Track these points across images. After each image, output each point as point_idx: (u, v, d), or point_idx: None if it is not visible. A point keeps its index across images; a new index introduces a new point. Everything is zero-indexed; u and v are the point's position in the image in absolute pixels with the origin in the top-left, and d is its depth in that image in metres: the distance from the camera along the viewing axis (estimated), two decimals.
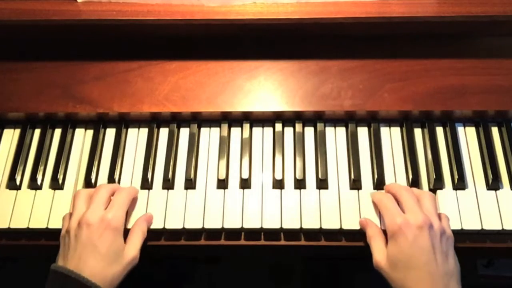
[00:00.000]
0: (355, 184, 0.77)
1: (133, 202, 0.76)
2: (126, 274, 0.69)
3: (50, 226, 0.75)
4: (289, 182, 0.78)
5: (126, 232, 0.72)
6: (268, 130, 0.84)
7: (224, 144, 0.81)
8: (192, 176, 0.78)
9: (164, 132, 0.84)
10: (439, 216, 0.72)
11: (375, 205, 0.75)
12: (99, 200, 0.71)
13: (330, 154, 0.81)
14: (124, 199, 0.73)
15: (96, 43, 0.86)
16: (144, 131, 0.84)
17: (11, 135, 0.85)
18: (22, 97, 0.83)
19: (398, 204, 0.71)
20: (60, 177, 0.80)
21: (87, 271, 0.65)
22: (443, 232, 0.68)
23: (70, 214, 0.72)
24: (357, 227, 0.74)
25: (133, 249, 0.70)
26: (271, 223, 0.75)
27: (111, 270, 0.67)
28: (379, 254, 0.69)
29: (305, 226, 0.74)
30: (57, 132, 0.84)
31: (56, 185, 0.79)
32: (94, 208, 0.70)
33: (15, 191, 0.79)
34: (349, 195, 0.77)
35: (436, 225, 0.68)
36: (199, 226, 0.74)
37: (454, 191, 0.77)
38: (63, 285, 0.65)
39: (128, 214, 0.75)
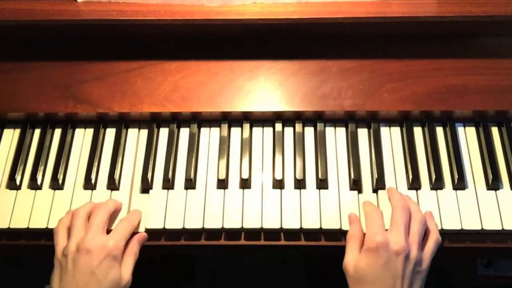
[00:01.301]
0: (355, 184, 0.77)
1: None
2: None
3: (50, 226, 0.75)
4: (289, 182, 0.78)
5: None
6: (268, 130, 0.84)
7: (224, 144, 0.81)
8: (192, 176, 0.78)
9: (164, 132, 0.84)
10: (427, 239, 0.70)
11: (377, 205, 0.75)
12: (98, 224, 0.70)
13: (330, 154, 0.81)
14: (127, 229, 0.72)
15: (96, 43, 0.86)
16: (144, 131, 0.84)
17: (11, 135, 0.85)
18: (22, 97, 0.83)
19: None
20: (60, 177, 0.80)
21: None
22: (418, 263, 0.67)
23: (67, 231, 0.71)
24: None
25: (127, 273, 0.69)
26: (271, 223, 0.75)
27: None
28: (351, 258, 0.68)
29: (305, 226, 0.74)
30: (57, 132, 0.84)
31: (56, 185, 0.79)
32: (94, 234, 0.68)
33: (15, 191, 0.79)
34: (349, 195, 0.77)
35: (413, 255, 0.67)
36: (199, 226, 0.74)
37: (454, 191, 0.77)
38: None
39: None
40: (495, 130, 0.83)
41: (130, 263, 0.70)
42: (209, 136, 0.83)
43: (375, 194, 0.77)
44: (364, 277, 0.66)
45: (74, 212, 0.72)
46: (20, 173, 0.80)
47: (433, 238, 0.71)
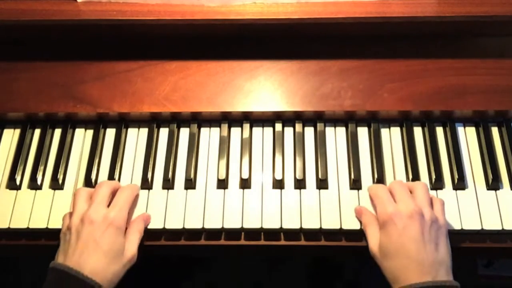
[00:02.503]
0: (355, 184, 0.77)
1: (134, 200, 0.76)
2: (124, 273, 0.69)
3: (50, 226, 0.75)
4: (289, 182, 0.78)
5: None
6: (268, 130, 0.84)
7: (224, 144, 0.81)
8: (192, 176, 0.78)
9: (164, 132, 0.84)
10: (433, 203, 0.72)
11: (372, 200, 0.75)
12: (101, 197, 0.71)
13: (330, 154, 0.81)
14: (127, 198, 0.73)
15: (96, 43, 0.86)
16: (144, 131, 0.84)
17: (11, 135, 0.85)
18: (22, 97, 0.83)
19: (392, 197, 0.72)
20: (60, 177, 0.80)
21: (88, 269, 0.65)
22: (434, 221, 0.68)
23: (70, 214, 0.72)
24: (357, 227, 0.74)
25: (132, 247, 0.70)
26: (271, 223, 0.75)
27: (112, 268, 0.67)
28: (373, 241, 0.69)
29: (305, 226, 0.74)
30: (57, 132, 0.84)
31: (56, 185, 0.79)
32: (97, 206, 0.70)
33: (15, 191, 0.79)
34: (349, 195, 0.77)
35: (427, 215, 0.68)
36: (199, 226, 0.74)
37: (454, 191, 0.77)
38: (63, 282, 0.64)
39: (128, 215, 0.75)
40: (495, 130, 0.83)
41: (135, 240, 0.71)
42: (209, 136, 0.83)
43: None
44: (388, 252, 0.67)
45: (76, 191, 0.74)
46: (20, 173, 0.80)
47: (437, 200, 0.73)
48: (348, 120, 0.83)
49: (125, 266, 0.69)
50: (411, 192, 0.72)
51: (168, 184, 0.78)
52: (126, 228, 0.72)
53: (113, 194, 0.74)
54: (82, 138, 0.84)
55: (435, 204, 0.72)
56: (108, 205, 0.72)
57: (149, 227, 0.75)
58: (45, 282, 0.66)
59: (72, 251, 0.67)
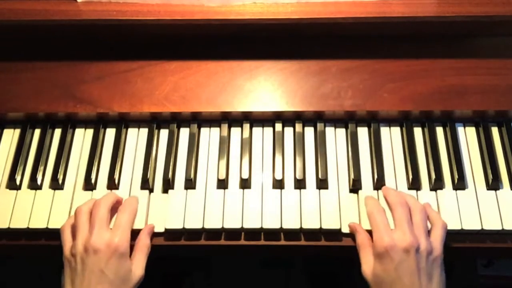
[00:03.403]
0: (355, 184, 0.77)
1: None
2: None
3: (50, 226, 0.75)
4: (289, 182, 0.78)
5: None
6: (268, 130, 0.84)
7: (224, 144, 0.81)
8: (192, 176, 0.78)
9: (164, 132, 0.84)
10: (432, 228, 0.71)
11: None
12: (101, 220, 0.70)
13: (330, 154, 0.81)
14: (129, 219, 0.72)
15: (96, 43, 0.86)
16: (144, 131, 0.84)
17: (11, 135, 0.85)
18: (22, 97, 0.83)
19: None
20: (60, 177, 0.80)
21: None
22: (429, 252, 0.68)
23: (71, 230, 0.71)
24: None
25: (139, 268, 0.70)
26: (271, 223, 0.74)
27: None
28: (367, 265, 0.69)
29: (305, 226, 0.74)
30: (57, 132, 0.84)
31: (56, 185, 0.79)
32: (99, 231, 0.69)
33: (15, 191, 0.79)
34: (349, 195, 0.77)
35: (423, 246, 0.67)
36: (199, 226, 0.74)
37: (454, 191, 0.77)
38: None
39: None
40: (495, 130, 0.83)
41: (142, 258, 0.71)
42: (209, 136, 0.83)
43: (375, 194, 0.77)
44: (382, 282, 0.67)
45: (76, 210, 0.72)
46: (20, 173, 0.80)
47: (438, 225, 0.71)
48: (348, 120, 0.83)
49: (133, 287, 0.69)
50: (410, 213, 0.71)
51: (168, 184, 0.78)
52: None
53: (113, 207, 0.74)
54: (82, 138, 0.84)
55: (435, 229, 0.71)
56: (111, 214, 0.72)
57: None
58: None
59: (79, 282, 0.67)
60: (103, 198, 0.73)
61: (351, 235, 0.75)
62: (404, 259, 0.66)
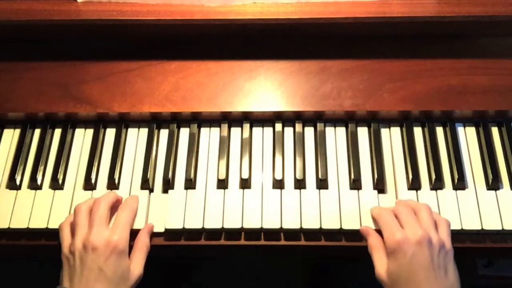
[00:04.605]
0: (355, 184, 0.77)
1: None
2: None
3: (50, 226, 0.75)
4: (289, 182, 0.78)
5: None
6: (268, 130, 0.84)
7: (224, 144, 0.81)
8: (192, 176, 0.78)
9: (164, 132, 0.84)
10: (437, 225, 0.71)
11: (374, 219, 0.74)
12: (100, 218, 0.70)
13: (330, 154, 0.81)
14: (129, 218, 0.72)
15: (96, 43, 0.86)
16: (144, 131, 0.84)
17: (11, 135, 0.85)
18: (22, 97, 0.83)
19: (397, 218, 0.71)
20: (60, 177, 0.80)
21: None
22: (442, 246, 0.67)
23: (70, 227, 0.71)
24: (357, 227, 0.74)
25: (138, 267, 0.70)
26: (271, 223, 0.74)
27: None
28: (381, 266, 0.68)
29: (305, 226, 0.74)
30: (57, 132, 0.84)
31: (56, 185, 0.79)
32: (98, 229, 0.69)
33: (15, 191, 0.79)
34: (349, 195, 0.77)
35: (435, 239, 0.67)
36: (199, 226, 0.74)
37: (454, 191, 0.77)
38: None
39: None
40: (495, 130, 0.83)
41: (141, 257, 0.71)
42: (209, 136, 0.83)
43: (375, 194, 0.77)
44: (398, 279, 0.66)
45: (76, 208, 0.72)
46: (20, 173, 0.80)
47: (442, 221, 0.71)
48: (348, 120, 0.83)
49: (132, 286, 0.69)
50: (414, 213, 0.71)
51: (168, 184, 0.78)
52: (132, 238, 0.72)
53: (113, 206, 0.73)
54: (82, 138, 0.84)
55: (440, 225, 0.71)
56: (111, 213, 0.72)
57: None
58: None
59: (78, 279, 0.67)
60: (103, 197, 0.73)
61: (351, 235, 0.75)
62: (417, 252, 0.65)
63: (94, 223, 0.69)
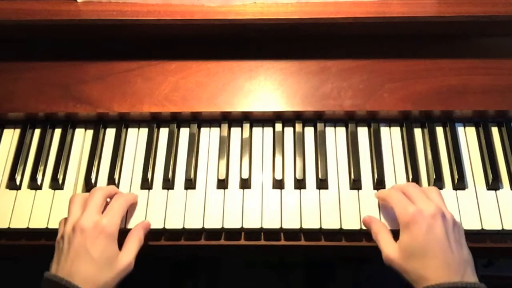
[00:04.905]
0: (355, 184, 0.77)
1: (133, 205, 0.76)
2: (119, 281, 0.68)
3: (50, 226, 0.75)
4: (289, 182, 0.78)
5: (124, 235, 0.72)
6: (268, 130, 0.84)
7: (224, 144, 0.81)
8: (192, 176, 0.78)
9: (164, 132, 0.84)
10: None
11: (379, 205, 0.75)
12: (93, 204, 0.70)
13: (330, 154, 0.81)
14: (121, 205, 0.72)
15: (96, 43, 0.86)
16: (144, 131, 0.84)
17: (11, 135, 0.85)
18: (22, 97, 0.83)
19: None
20: (60, 177, 0.80)
21: (79, 277, 0.64)
22: (454, 221, 0.68)
23: (66, 220, 0.71)
24: (357, 227, 0.74)
25: (128, 255, 0.69)
26: (271, 223, 0.75)
27: (103, 276, 0.66)
28: (389, 247, 0.68)
29: (305, 226, 0.74)
30: (57, 132, 0.84)
31: (56, 185, 0.79)
32: (89, 213, 0.69)
33: (15, 191, 0.79)
34: (349, 195, 0.77)
35: (448, 215, 0.67)
36: (199, 226, 0.74)
37: (454, 191, 0.77)
38: None
39: (128, 215, 0.75)
40: (495, 130, 0.83)
41: (133, 248, 0.70)
42: (209, 136, 0.83)
43: (375, 194, 0.77)
44: (413, 253, 0.65)
45: (71, 198, 0.72)
46: (20, 173, 0.80)
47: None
48: (348, 120, 0.83)
49: (119, 274, 0.67)
50: None
51: (168, 184, 0.78)
52: (127, 228, 0.72)
53: (110, 199, 0.73)
54: (82, 138, 0.84)
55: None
56: (107, 204, 0.72)
57: None
58: None
59: (64, 260, 0.66)
60: (101, 187, 0.74)
61: (351, 235, 0.75)
62: (432, 225, 0.65)
63: (87, 209, 0.69)
